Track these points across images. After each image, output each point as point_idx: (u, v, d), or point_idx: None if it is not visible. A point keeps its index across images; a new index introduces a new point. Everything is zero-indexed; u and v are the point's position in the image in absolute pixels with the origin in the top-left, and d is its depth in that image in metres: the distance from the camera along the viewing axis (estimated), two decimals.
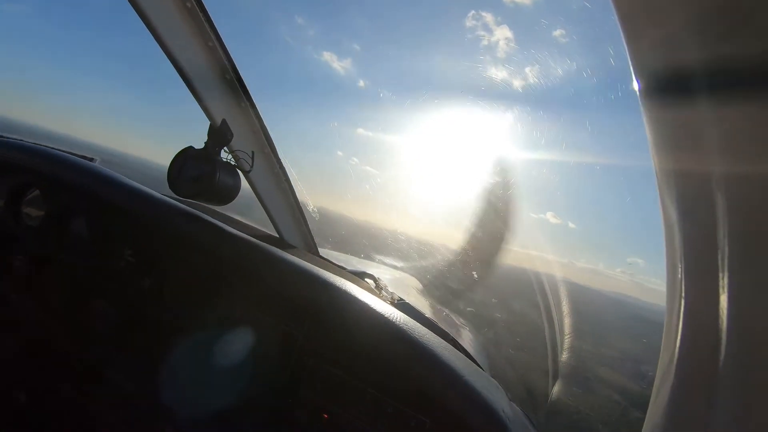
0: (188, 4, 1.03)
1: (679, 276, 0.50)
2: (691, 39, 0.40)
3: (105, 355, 1.35)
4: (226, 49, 1.17)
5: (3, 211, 1.55)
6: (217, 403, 1.23)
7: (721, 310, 0.45)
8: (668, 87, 0.45)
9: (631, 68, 0.46)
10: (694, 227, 0.48)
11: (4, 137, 1.63)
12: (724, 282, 0.44)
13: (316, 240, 1.78)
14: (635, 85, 0.47)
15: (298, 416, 1.16)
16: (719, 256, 0.45)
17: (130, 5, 0.93)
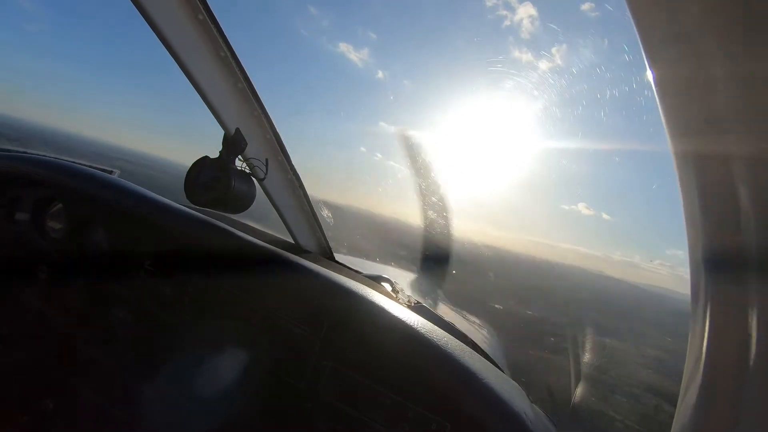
0: (200, 17, 1.05)
1: (703, 274, 0.48)
2: (707, 34, 0.39)
3: (126, 361, 1.38)
4: (237, 57, 1.18)
5: (28, 224, 1.61)
6: (237, 408, 1.24)
7: (749, 310, 0.43)
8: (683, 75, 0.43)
9: (644, 58, 0.44)
10: (716, 219, 0.46)
11: (29, 153, 1.69)
12: (752, 280, 0.42)
13: (332, 245, 1.78)
14: (649, 75, 0.45)
15: (318, 420, 1.16)
16: (745, 252, 0.43)
17: (141, 17, 0.96)
